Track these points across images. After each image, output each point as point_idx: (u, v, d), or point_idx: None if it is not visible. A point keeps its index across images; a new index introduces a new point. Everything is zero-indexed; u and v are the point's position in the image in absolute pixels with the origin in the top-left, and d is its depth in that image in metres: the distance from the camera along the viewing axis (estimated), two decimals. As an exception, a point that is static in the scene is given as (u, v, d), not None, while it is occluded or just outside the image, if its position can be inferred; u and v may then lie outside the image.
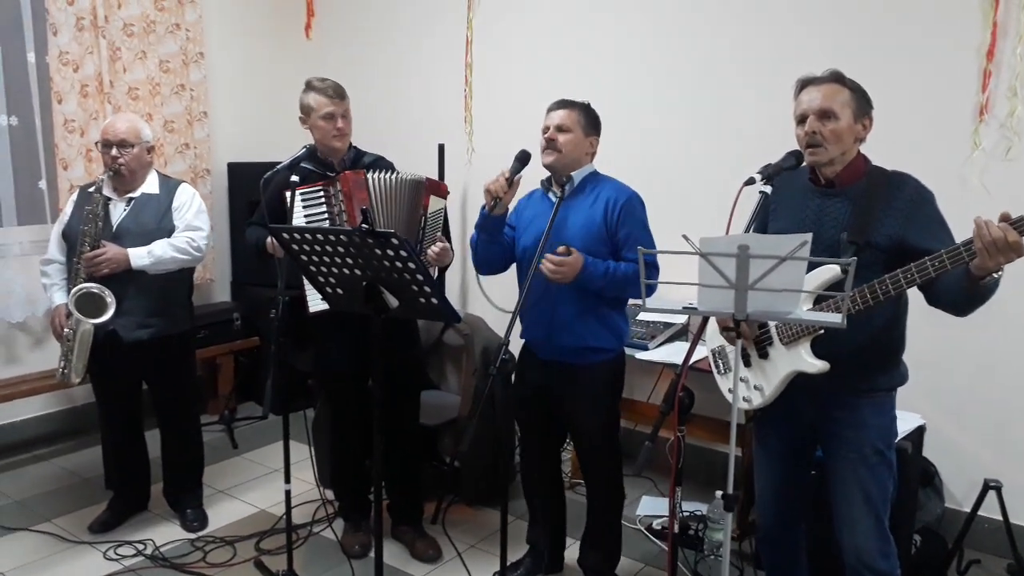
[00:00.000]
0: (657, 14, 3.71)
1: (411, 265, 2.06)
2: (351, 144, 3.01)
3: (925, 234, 1.94)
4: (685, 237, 1.70)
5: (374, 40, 4.75)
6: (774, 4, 3.40)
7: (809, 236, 1.62)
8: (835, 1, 3.25)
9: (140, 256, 2.97)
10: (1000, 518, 2.84)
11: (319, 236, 2.15)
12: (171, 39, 4.40)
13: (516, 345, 2.87)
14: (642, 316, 3.54)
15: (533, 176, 2.63)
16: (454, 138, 4.40)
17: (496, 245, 2.64)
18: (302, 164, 2.72)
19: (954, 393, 3.12)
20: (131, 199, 3.08)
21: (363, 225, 2.02)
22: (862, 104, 2.04)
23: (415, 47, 4.59)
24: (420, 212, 2.82)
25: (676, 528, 2.12)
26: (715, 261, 1.70)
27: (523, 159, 2.50)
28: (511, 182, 2.47)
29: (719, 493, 3.07)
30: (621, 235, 2.50)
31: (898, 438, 2.75)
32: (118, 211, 3.06)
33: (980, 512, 2.85)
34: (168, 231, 3.08)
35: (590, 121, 2.59)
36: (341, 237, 2.11)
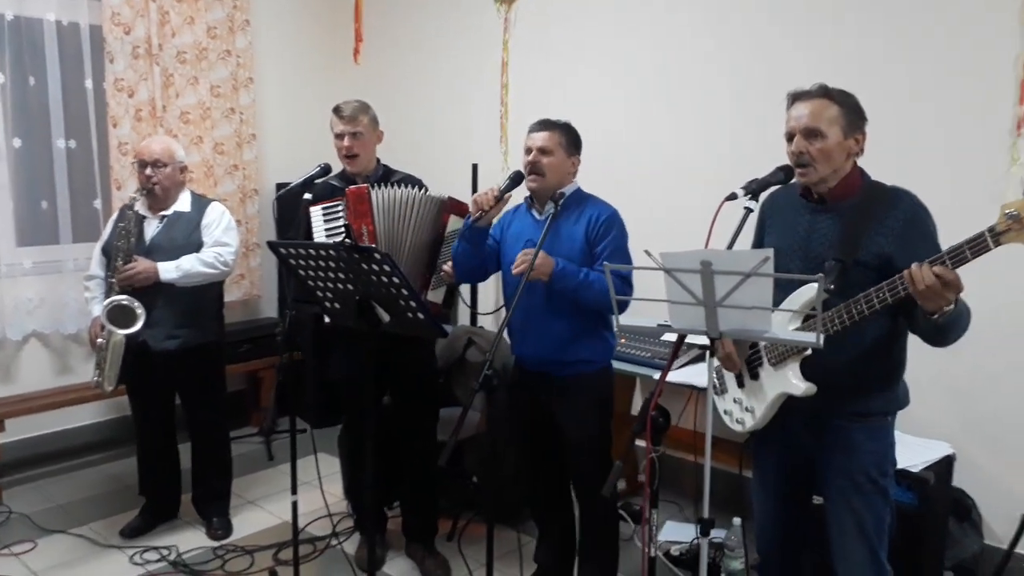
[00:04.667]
0: (687, 32, 3.67)
1: (395, 280, 2.09)
2: (379, 162, 3.06)
3: (913, 255, 1.80)
4: (647, 252, 1.66)
5: (419, 63, 4.84)
6: (797, 17, 3.31)
7: (771, 251, 1.56)
8: (860, 10, 3.15)
9: (168, 269, 3.09)
10: (1041, 555, 2.66)
11: (311, 251, 2.20)
12: (222, 65, 4.59)
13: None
14: (665, 336, 3.47)
15: (520, 192, 2.68)
16: (489, 157, 4.44)
17: (477, 256, 2.68)
18: (329, 180, 2.83)
19: (989, 421, 2.93)
20: (164, 216, 3.22)
21: (346, 240, 2.06)
22: (853, 119, 1.95)
23: (455, 69, 4.66)
24: (440, 230, 2.88)
25: (652, 552, 2.06)
26: (681, 277, 1.66)
27: (516, 179, 2.59)
28: (499, 198, 2.54)
29: (737, 520, 2.98)
30: (598, 249, 2.51)
31: (920, 467, 2.62)
32: (152, 228, 3.20)
33: (1019, 549, 2.67)
34: (196, 246, 3.19)
35: (571, 141, 2.62)
36: (330, 252, 2.15)
